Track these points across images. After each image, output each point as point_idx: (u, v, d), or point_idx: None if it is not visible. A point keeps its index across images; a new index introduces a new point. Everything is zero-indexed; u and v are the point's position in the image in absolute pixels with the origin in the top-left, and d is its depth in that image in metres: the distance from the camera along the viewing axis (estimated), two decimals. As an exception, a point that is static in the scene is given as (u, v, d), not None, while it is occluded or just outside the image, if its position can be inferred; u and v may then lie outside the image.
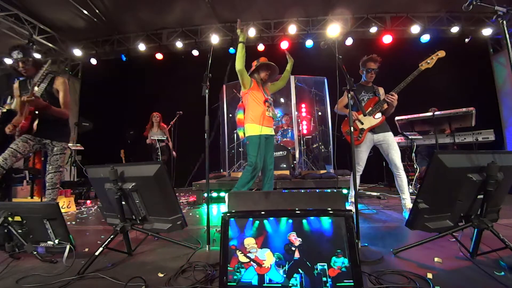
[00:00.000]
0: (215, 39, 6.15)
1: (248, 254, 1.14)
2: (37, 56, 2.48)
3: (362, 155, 2.80)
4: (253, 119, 2.81)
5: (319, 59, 4.85)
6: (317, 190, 3.59)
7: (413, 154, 4.21)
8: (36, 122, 2.35)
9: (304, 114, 6.28)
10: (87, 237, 2.33)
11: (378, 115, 2.76)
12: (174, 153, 5.19)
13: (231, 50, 6.49)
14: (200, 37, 6.46)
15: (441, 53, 2.48)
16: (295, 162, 5.03)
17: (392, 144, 2.72)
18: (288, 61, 3.00)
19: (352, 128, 1.97)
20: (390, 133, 2.77)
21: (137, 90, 6.97)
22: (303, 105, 6.34)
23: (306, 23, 6.23)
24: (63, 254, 1.59)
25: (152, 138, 4.93)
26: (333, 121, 5.82)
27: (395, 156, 2.68)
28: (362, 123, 2.78)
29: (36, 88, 2.27)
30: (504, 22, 1.60)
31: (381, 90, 2.87)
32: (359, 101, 2.34)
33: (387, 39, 6.01)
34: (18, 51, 2.32)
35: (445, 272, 1.38)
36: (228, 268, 1.13)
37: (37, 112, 2.34)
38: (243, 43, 2.70)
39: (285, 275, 1.10)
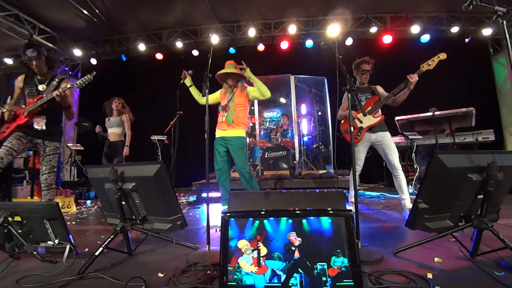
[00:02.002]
0: (215, 39, 6.16)
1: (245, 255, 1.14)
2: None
3: (360, 155, 2.81)
4: (217, 124, 3.02)
5: (319, 59, 4.85)
6: (317, 190, 3.59)
7: (413, 154, 4.20)
8: (44, 121, 2.39)
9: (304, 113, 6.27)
10: (87, 237, 2.33)
11: (378, 113, 2.76)
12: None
13: (231, 50, 6.49)
14: (200, 37, 6.46)
15: (443, 56, 2.49)
16: (295, 162, 5.03)
17: (389, 144, 2.72)
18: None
19: (351, 127, 1.97)
20: (387, 133, 2.78)
21: (137, 90, 6.95)
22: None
23: (306, 23, 6.23)
24: (63, 254, 1.59)
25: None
26: (333, 121, 5.82)
27: (393, 156, 2.69)
28: (361, 122, 2.79)
29: (54, 92, 2.31)
30: (504, 22, 1.59)
31: (378, 88, 2.88)
32: (358, 101, 2.36)
33: (387, 39, 6.01)
34: (32, 49, 2.36)
35: (445, 272, 1.38)
36: (228, 268, 1.13)
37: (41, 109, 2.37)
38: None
39: (285, 275, 1.10)
